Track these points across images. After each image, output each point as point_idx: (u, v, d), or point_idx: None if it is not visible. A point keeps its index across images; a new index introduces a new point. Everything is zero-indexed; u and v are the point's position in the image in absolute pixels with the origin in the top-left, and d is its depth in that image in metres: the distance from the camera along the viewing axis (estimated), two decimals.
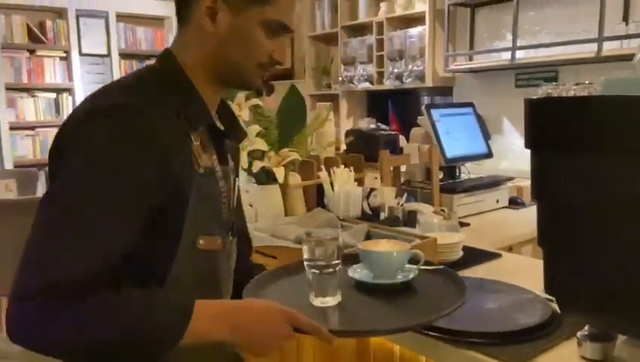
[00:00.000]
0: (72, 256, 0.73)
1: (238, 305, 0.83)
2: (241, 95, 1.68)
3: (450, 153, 2.10)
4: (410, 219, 1.73)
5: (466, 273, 1.38)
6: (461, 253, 1.49)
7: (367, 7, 4.31)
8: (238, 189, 1.06)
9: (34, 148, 4.42)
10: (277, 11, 0.88)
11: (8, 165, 4.23)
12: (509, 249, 1.83)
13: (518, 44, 3.11)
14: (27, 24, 4.32)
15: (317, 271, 0.92)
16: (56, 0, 4.35)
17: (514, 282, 1.26)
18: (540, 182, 0.88)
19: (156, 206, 0.79)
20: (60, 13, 4.44)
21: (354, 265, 1.08)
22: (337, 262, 0.92)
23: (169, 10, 4.88)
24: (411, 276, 1.02)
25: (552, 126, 0.85)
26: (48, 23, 4.40)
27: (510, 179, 2.35)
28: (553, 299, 1.00)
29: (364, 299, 0.99)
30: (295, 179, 1.81)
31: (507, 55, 3.20)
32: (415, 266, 1.03)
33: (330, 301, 0.93)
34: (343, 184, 1.82)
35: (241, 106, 1.68)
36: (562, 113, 0.84)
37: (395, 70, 3.99)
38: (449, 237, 1.49)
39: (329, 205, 1.82)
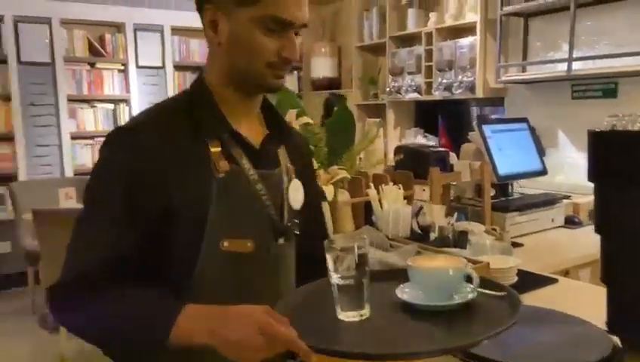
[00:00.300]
0: (73, 260, 0.87)
1: (222, 309, 0.79)
2: (292, 112, 1.70)
3: (502, 170, 2.05)
4: (461, 239, 1.69)
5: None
6: (515, 278, 1.44)
7: (416, 18, 4.28)
8: (308, 192, 1.04)
9: (92, 156, 4.61)
10: (268, 7, 0.87)
11: (69, 173, 4.44)
12: (566, 273, 1.77)
13: (574, 55, 3.01)
14: (88, 38, 4.53)
15: (340, 283, 0.84)
16: (116, 15, 4.54)
17: (571, 311, 1.21)
18: (604, 215, 0.85)
19: (154, 215, 0.87)
20: (119, 27, 4.63)
21: (402, 284, 0.93)
22: (362, 274, 0.84)
23: None
24: (470, 297, 0.86)
25: (617, 158, 0.82)
26: (108, 37, 4.60)
27: (566, 197, 2.26)
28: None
29: (405, 318, 0.87)
30: (343, 196, 1.81)
31: (563, 66, 3.09)
32: (472, 286, 0.88)
33: (355, 315, 0.84)
34: (392, 202, 1.81)
35: (291, 124, 1.70)
36: (627, 146, 0.80)
37: (444, 81, 3.93)
38: (503, 261, 1.45)
39: (377, 223, 1.81)
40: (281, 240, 0.98)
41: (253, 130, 0.99)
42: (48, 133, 4.37)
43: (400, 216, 1.77)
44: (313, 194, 1.09)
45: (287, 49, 0.90)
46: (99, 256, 0.86)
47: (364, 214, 1.88)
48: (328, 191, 1.66)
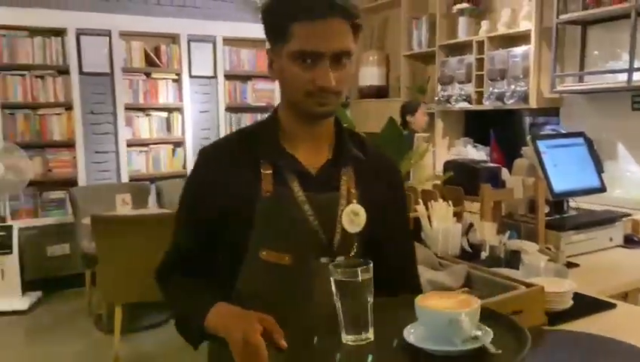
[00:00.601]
0: (165, 251, 1.13)
1: (236, 310, 0.95)
2: None
3: (558, 187, 1.98)
4: (513, 259, 1.65)
5: (575, 326, 1.29)
6: (571, 303, 1.39)
7: (467, 26, 4.21)
8: (379, 218, 1.05)
9: (147, 163, 4.78)
10: (297, 42, 0.96)
11: (125, 179, 4.62)
12: (624, 296, 1.69)
13: (636, 65, 2.88)
14: (145, 49, 4.71)
15: (343, 307, 0.85)
16: (171, 26, 4.70)
17: (630, 339, 1.16)
18: None
19: (210, 220, 1.04)
20: (174, 38, 4.79)
21: (409, 325, 0.86)
22: (365, 298, 0.84)
23: None
24: (482, 344, 0.79)
25: None
26: (163, 48, 4.76)
27: (626, 215, 2.16)
28: None
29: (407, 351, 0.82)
30: None
31: (623, 76, 2.97)
32: (487, 329, 0.82)
33: (357, 340, 0.85)
34: (441, 219, 1.79)
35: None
36: None
37: (496, 90, 3.85)
38: (557, 285, 1.40)
39: (426, 241, 1.79)
40: (324, 259, 1.02)
41: (313, 155, 1.06)
42: (106, 141, 4.57)
43: (450, 233, 1.75)
44: (396, 228, 1.09)
45: (320, 78, 0.96)
46: (174, 250, 1.11)
47: (414, 231, 1.86)
48: None
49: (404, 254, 1.13)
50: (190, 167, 4.83)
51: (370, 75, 5.34)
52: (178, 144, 4.89)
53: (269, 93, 5.21)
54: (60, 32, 4.36)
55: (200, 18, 4.80)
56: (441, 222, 1.77)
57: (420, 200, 1.83)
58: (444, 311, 0.82)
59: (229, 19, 4.86)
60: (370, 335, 0.86)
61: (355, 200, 1.04)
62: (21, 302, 3.97)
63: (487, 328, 0.83)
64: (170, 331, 3.50)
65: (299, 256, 1.02)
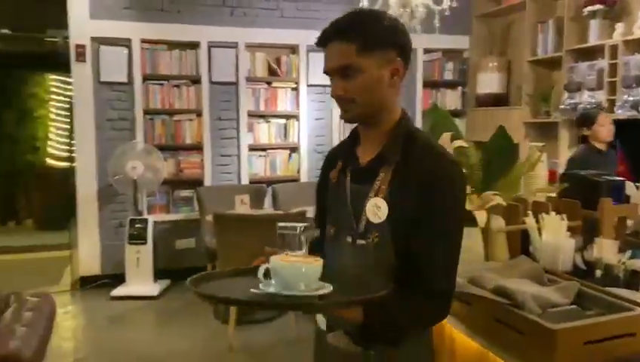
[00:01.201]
0: None
1: None
2: (445, 136, 1.70)
3: None
4: (634, 280, 1.52)
5: None
6: None
7: (599, 29, 3.91)
8: (404, 218, 1.14)
9: (265, 167, 5.07)
10: None
11: (245, 181, 4.94)
12: None
13: None
14: (267, 60, 5.01)
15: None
16: (292, 37, 4.95)
17: None
18: None
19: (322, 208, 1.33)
20: (294, 49, 5.03)
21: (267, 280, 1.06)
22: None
23: None
24: (320, 292, 1.03)
25: None
26: (283, 58, 5.03)
27: None
28: None
29: None
30: (498, 222, 1.75)
31: None
32: (327, 284, 1.05)
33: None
34: (553, 232, 1.69)
35: (446, 147, 1.70)
36: None
37: (630, 98, 3.52)
38: None
39: (535, 254, 1.71)
40: (348, 239, 1.21)
41: (367, 153, 1.23)
42: (230, 145, 4.93)
43: (561, 248, 1.65)
44: (422, 228, 1.13)
45: (332, 90, 1.20)
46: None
47: (521, 243, 1.79)
48: (480, 217, 1.62)
49: (424, 255, 1.14)
50: (304, 171, 5.06)
51: (488, 81, 5.15)
52: (294, 149, 5.12)
53: None
54: (194, 45, 4.80)
55: (319, 28, 4.98)
56: (552, 236, 1.68)
57: (530, 212, 1.76)
58: (291, 262, 1.05)
59: None
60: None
61: (381, 195, 1.16)
62: (153, 288, 4.42)
63: (328, 284, 1.06)
64: (280, 326, 3.70)
65: (337, 231, 1.25)
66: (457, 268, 1.18)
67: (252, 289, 1.04)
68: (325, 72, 1.20)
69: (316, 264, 1.05)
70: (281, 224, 1.15)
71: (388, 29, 1.16)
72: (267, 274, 1.06)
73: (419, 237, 1.13)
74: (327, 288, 1.04)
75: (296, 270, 1.03)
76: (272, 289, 1.03)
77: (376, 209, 1.15)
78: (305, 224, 1.15)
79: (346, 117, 1.20)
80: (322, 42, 1.19)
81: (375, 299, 1.03)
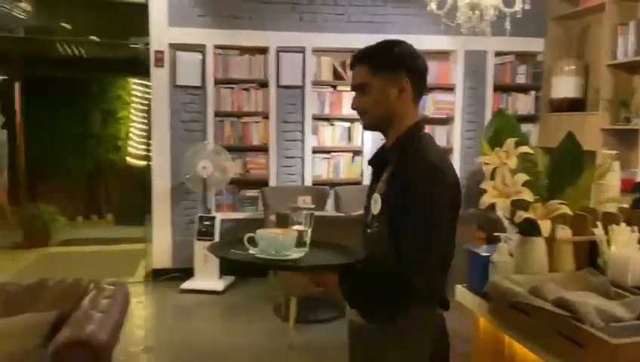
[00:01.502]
0: None
1: None
2: (509, 142, 1.66)
3: None
4: None
5: None
6: None
7: None
8: (388, 210, 1.40)
9: (328, 169, 5.13)
10: None
11: (308, 182, 5.03)
12: None
13: None
14: (333, 64, 5.07)
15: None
16: (358, 42, 4.95)
17: None
18: None
19: None
20: None
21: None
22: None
23: (456, 44, 5.05)
24: (295, 256, 1.40)
25: None
26: (348, 62, 5.07)
27: None
28: None
29: None
30: (564, 232, 1.69)
31: None
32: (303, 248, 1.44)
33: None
34: (622, 245, 1.62)
35: (509, 153, 1.66)
36: None
37: None
38: None
39: (602, 266, 1.63)
40: (364, 227, 1.49)
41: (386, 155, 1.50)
42: (294, 147, 5.04)
43: (631, 261, 1.57)
44: (400, 217, 1.34)
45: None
46: None
47: (589, 255, 1.72)
48: (544, 226, 1.57)
49: (399, 237, 1.34)
50: (367, 174, 5.06)
51: (564, 86, 4.93)
52: (357, 153, 5.15)
53: (449, 105, 5.17)
54: (263, 50, 4.95)
55: (386, 32, 4.98)
56: (621, 248, 1.60)
57: (599, 223, 1.68)
58: (272, 233, 1.44)
59: (412, 32, 4.91)
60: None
61: (379, 191, 1.44)
62: (218, 284, 4.60)
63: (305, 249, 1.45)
64: (339, 327, 3.73)
65: (363, 221, 1.51)
66: (433, 256, 1.33)
67: (233, 250, 1.42)
68: (351, 89, 1.47)
69: (289, 235, 1.42)
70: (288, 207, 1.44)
71: (396, 54, 1.42)
72: (250, 241, 1.42)
73: (398, 223, 1.34)
74: (300, 254, 1.40)
75: (273, 239, 1.40)
76: (257, 253, 1.40)
77: (374, 203, 1.43)
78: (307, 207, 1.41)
79: (363, 125, 1.49)
80: (351, 65, 1.47)
81: (336, 267, 1.38)
